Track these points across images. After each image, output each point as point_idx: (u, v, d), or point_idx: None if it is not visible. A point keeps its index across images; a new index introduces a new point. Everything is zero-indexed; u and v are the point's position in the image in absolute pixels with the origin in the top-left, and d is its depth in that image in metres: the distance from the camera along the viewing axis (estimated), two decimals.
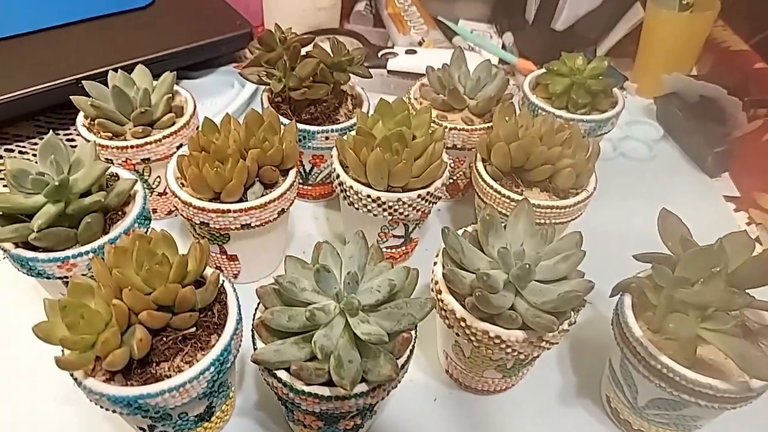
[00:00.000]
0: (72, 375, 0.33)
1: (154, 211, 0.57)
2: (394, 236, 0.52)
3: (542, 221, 0.48)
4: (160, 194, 0.56)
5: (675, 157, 0.71)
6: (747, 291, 0.36)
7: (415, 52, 0.76)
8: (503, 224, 0.40)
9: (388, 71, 0.75)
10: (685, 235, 0.39)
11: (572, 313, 0.38)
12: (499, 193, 0.48)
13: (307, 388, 0.33)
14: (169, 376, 0.33)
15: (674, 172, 0.69)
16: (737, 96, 0.67)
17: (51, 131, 0.42)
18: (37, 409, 0.43)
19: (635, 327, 0.38)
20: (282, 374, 0.34)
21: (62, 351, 0.33)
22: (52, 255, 0.40)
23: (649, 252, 0.39)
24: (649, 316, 0.39)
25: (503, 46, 0.84)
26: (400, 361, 0.34)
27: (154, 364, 0.34)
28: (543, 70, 0.60)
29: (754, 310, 0.39)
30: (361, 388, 0.33)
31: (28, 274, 0.41)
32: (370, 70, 0.58)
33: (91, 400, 0.34)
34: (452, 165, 0.59)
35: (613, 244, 0.53)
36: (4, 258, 0.53)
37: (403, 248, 0.54)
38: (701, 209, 0.63)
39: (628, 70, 0.82)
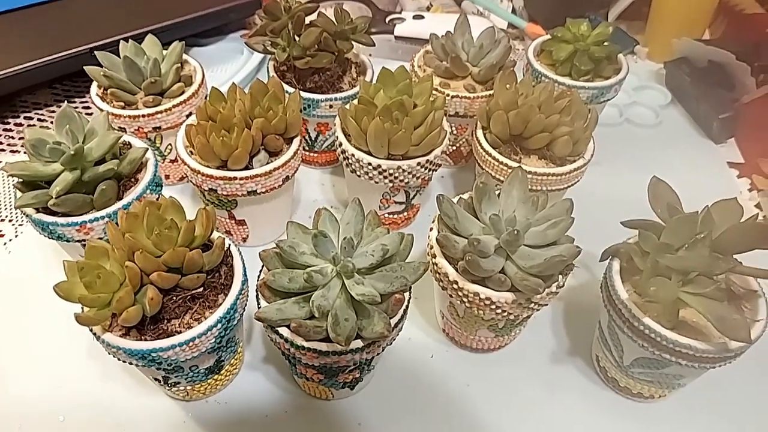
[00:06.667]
0: (91, 330, 0.36)
1: (167, 177, 0.60)
2: (396, 202, 0.54)
3: (538, 188, 0.49)
4: (171, 161, 0.58)
5: (681, 123, 0.71)
6: (734, 257, 0.37)
7: (422, 17, 0.76)
8: (498, 191, 0.42)
9: (396, 37, 0.75)
10: (673, 202, 0.40)
11: (560, 276, 0.40)
12: (498, 160, 0.49)
13: (306, 344, 0.36)
14: (180, 332, 0.36)
15: (679, 138, 0.69)
16: (747, 61, 0.66)
17: (66, 102, 0.44)
18: (64, 363, 0.46)
19: (621, 290, 0.40)
20: (284, 331, 0.36)
21: (81, 308, 0.36)
22: (70, 219, 0.42)
23: (638, 218, 0.41)
24: (636, 280, 0.41)
25: (513, 10, 0.83)
26: (394, 320, 0.37)
27: (166, 321, 0.37)
28: (548, 36, 0.60)
29: (739, 275, 0.40)
30: (357, 344, 0.36)
31: (49, 237, 0.44)
32: (378, 35, 0.58)
33: (109, 353, 0.37)
34: (455, 132, 0.60)
35: (613, 210, 0.53)
36: (26, 222, 0.56)
37: (405, 214, 0.56)
38: (704, 175, 0.64)
39: (639, 33, 0.81)
